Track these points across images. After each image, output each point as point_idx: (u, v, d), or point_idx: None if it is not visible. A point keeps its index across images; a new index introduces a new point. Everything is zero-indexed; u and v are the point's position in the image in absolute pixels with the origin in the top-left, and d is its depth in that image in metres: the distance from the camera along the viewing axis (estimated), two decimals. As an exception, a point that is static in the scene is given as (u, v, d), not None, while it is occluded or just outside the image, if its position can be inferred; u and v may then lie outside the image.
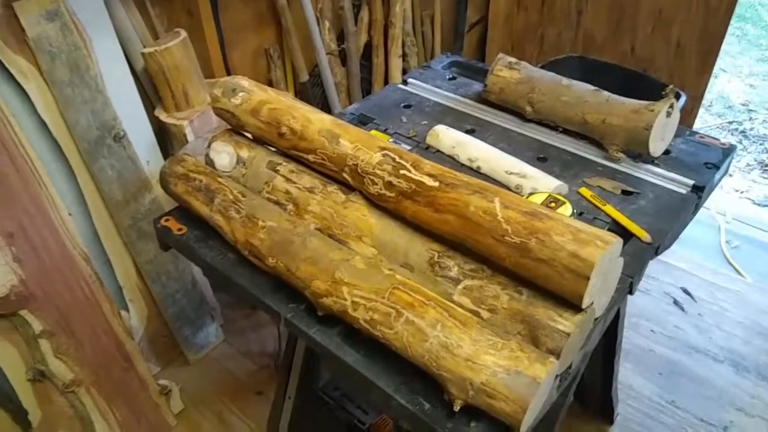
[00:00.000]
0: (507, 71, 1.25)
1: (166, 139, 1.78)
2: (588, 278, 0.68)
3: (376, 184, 0.87)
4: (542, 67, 2.02)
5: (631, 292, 0.93)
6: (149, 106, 1.76)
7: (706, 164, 1.13)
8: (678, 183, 1.09)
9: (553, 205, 0.97)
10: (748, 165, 3.08)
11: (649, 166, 1.13)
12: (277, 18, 2.04)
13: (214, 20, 1.88)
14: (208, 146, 1.06)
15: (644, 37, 1.91)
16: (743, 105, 3.49)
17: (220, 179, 0.98)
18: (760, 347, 1.87)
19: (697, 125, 3.29)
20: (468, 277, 0.81)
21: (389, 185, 0.86)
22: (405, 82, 1.44)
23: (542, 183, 1.05)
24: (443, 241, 0.84)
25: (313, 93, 2.23)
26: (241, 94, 1.03)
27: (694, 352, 1.86)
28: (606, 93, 1.16)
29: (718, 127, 3.33)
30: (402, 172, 0.84)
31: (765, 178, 2.98)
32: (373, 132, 1.26)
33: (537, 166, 1.12)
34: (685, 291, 2.08)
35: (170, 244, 1.04)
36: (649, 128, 1.06)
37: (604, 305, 0.81)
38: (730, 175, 2.97)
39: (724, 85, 3.63)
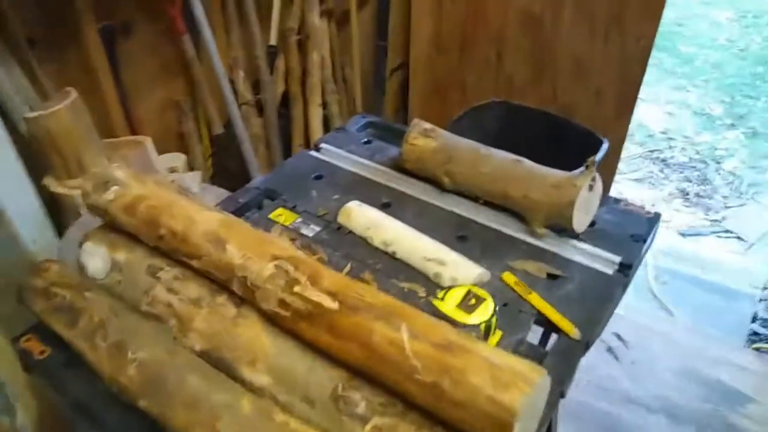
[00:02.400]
0: (422, 139, 1.16)
1: (60, 211, 1.60)
2: (512, 427, 0.58)
3: (268, 302, 0.75)
4: (464, 114, 1.97)
5: (562, 396, 0.84)
6: (40, 174, 1.58)
7: (632, 236, 1.07)
8: (604, 261, 1.02)
9: (473, 302, 0.87)
10: (670, 194, 3.14)
11: (575, 242, 1.06)
12: (186, 68, 1.90)
13: (113, 75, 1.72)
14: (80, 247, 0.91)
15: (564, 83, 1.89)
16: (662, 133, 3.59)
17: (87, 294, 0.83)
18: (693, 393, 1.85)
19: (622, 156, 3.36)
20: (377, 413, 0.69)
21: (283, 303, 0.74)
22: (318, 148, 1.33)
23: (462, 271, 0.96)
24: (349, 367, 0.73)
25: (230, 146, 2.09)
26: (114, 188, 0.89)
27: (629, 402, 1.82)
28: (528, 163, 1.09)
29: (640, 157, 3.40)
30: (296, 289, 0.73)
31: (687, 206, 3.04)
32: (280, 210, 1.14)
33: (457, 247, 1.03)
34: (618, 337, 2.05)
35: (32, 369, 0.87)
36: (572, 205, 0.99)
37: (533, 430, 0.72)
38: (653, 206, 3.02)
39: (644, 115, 3.73)
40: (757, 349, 2.03)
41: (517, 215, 1.11)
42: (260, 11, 1.97)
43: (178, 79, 1.93)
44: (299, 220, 1.11)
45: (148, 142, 1.73)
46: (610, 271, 1.00)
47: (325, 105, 2.16)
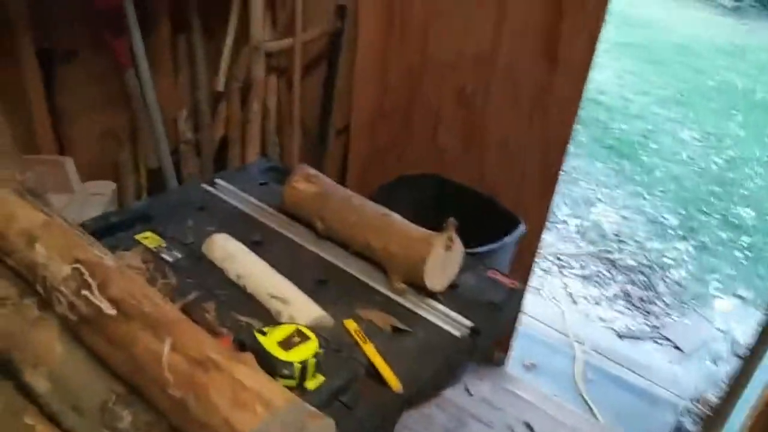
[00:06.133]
0: (303, 183, 1.17)
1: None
2: (238, 452, 0.55)
3: (62, 304, 0.72)
4: (395, 181, 2.00)
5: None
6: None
7: (489, 304, 1.06)
8: (455, 323, 1.00)
9: (297, 340, 0.84)
10: (615, 295, 3.14)
11: (432, 302, 1.04)
12: (129, 101, 1.94)
13: (46, 97, 1.74)
14: None
15: (492, 161, 1.93)
16: (615, 235, 3.64)
17: None
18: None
19: (572, 250, 3.39)
20: (140, 430, 0.65)
21: (72, 307, 0.71)
22: (212, 183, 1.34)
23: (303, 311, 0.94)
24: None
25: (164, 181, 2.10)
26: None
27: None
28: (396, 217, 1.09)
29: (589, 254, 3.42)
30: (84, 292, 0.70)
31: (629, 309, 3.04)
32: (148, 233, 1.12)
33: (314, 289, 1.01)
34: (528, 426, 1.98)
35: None
36: (423, 261, 0.98)
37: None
38: (598, 304, 3.00)
39: (600, 215, 3.80)
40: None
41: (382, 268, 1.10)
42: (209, 56, 2.04)
43: (120, 110, 1.96)
44: (164, 245, 1.10)
45: (69, 162, 1.74)
46: (457, 333, 0.98)
47: (265, 155, 2.19)
